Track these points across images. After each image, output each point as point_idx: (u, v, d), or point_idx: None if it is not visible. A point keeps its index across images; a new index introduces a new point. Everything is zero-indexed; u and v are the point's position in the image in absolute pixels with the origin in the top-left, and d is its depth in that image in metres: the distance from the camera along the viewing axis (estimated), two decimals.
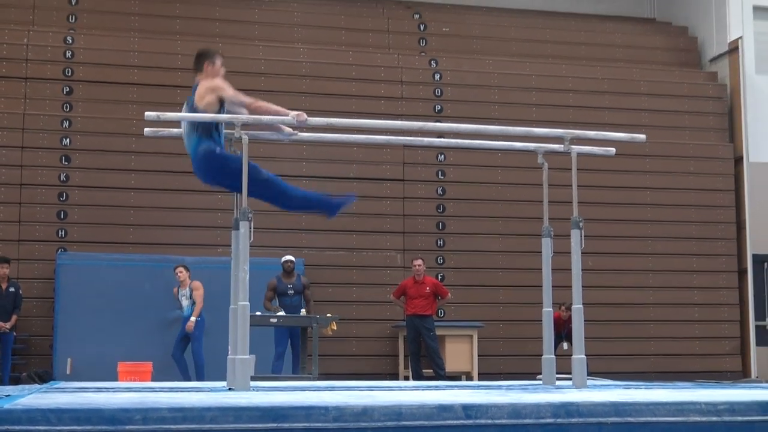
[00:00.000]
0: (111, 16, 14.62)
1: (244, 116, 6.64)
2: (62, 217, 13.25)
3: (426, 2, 16.66)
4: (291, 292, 12.49)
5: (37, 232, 13.17)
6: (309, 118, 6.67)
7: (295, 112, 6.67)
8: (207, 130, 6.64)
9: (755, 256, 15.35)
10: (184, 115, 6.80)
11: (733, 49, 15.90)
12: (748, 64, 15.81)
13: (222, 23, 15.06)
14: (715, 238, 15.30)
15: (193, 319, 12.09)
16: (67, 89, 13.71)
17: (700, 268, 15.13)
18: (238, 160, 6.55)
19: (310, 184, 13.81)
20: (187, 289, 12.29)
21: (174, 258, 12.80)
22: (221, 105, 6.70)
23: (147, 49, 14.19)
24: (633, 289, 14.84)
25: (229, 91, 6.69)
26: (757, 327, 15.30)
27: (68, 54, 13.82)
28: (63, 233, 13.20)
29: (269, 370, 12.21)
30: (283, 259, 12.54)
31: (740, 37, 15.83)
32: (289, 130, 7.01)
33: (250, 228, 6.41)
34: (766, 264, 15.92)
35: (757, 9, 16.20)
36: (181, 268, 12.35)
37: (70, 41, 13.89)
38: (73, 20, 14.37)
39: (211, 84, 6.73)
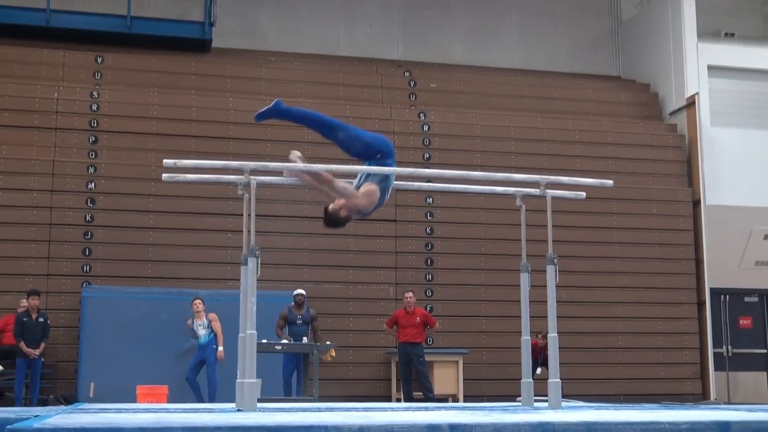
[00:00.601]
0: (133, 73, 14.68)
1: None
2: (87, 253, 13.21)
3: (415, 61, 16.79)
4: (300, 321, 12.50)
5: (65, 268, 13.12)
6: (313, 166, 6.71)
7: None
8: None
9: (712, 290, 15.36)
10: (197, 162, 6.82)
11: (691, 103, 16.00)
12: (704, 117, 15.89)
13: (232, 79, 15.13)
14: (676, 273, 15.29)
15: (221, 348, 12.05)
16: (93, 138, 13.73)
17: (663, 300, 15.11)
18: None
19: (311, 224, 13.88)
20: (204, 319, 12.23)
21: (189, 291, 12.76)
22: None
23: (165, 103, 14.23)
24: (603, 319, 14.80)
25: (351, 200, 6.57)
26: (715, 353, 15.27)
27: (94, 107, 13.86)
28: (88, 268, 13.16)
29: (281, 392, 12.22)
30: (295, 292, 12.59)
31: (697, 93, 15.93)
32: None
33: (258, 263, 6.41)
34: (722, 296, 15.95)
35: (711, 68, 16.31)
36: (198, 301, 12.31)
37: (96, 95, 13.94)
38: (99, 77, 14.43)
39: (365, 196, 6.61)
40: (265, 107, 6.82)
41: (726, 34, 17.85)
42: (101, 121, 13.81)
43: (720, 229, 15.36)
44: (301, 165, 6.71)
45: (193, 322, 12.28)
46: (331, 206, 6.64)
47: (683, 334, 15.11)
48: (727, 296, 16.06)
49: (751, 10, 18.73)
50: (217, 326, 12.17)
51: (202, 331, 12.22)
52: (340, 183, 6.64)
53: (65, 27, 14.84)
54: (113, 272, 13.22)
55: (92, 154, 13.65)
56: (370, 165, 6.80)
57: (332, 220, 6.65)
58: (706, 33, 17.10)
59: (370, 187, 6.64)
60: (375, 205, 6.66)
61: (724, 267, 15.54)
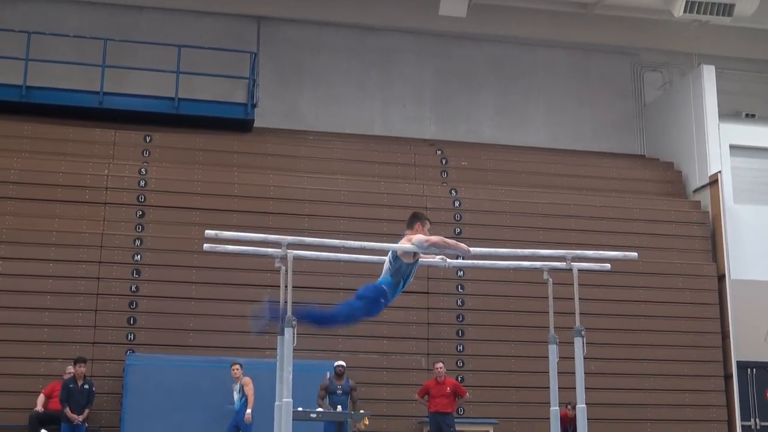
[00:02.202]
0: (179, 151, 14.92)
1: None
2: (132, 322, 13.27)
3: (447, 140, 16.92)
4: (340, 392, 12.45)
5: (110, 336, 13.17)
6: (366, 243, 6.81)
7: (465, 247, 6.78)
8: (398, 276, 6.85)
9: (739, 363, 15.06)
10: (237, 235, 6.89)
11: (714, 181, 15.93)
12: (726, 194, 15.82)
13: (273, 157, 15.31)
14: (702, 346, 15.02)
15: (249, 411, 11.95)
16: (140, 213, 13.91)
17: (690, 373, 14.83)
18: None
19: (347, 296, 13.82)
20: (239, 384, 12.18)
21: (228, 359, 12.71)
22: (415, 260, 6.85)
23: (209, 179, 14.41)
24: (631, 391, 14.52)
25: (423, 237, 6.79)
26: (743, 426, 14.89)
27: (142, 183, 14.07)
28: (132, 337, 13.21)
29: None
30: (336, 363, 12.58)
31: (719, 171, 15.88)
32: (446, 258, 7.30)
33: (294, 334, 6.40)
34: (749, 369, 15.62)
35: (733, 147, 16.30)
36: (237, 366, 12.26)
37: (144, 172, 14.16)
38: (147, 155, 14.67)
39: (413, 236, 6.85)
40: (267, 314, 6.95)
41: (747, 115, 17.89)
42: (148, 196, 14.00)
43: (745, 303, 15.15)
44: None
45: (233, 387, 12.23)
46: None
47: (711, 406, 14.78)
48: (754, 369, 15.72)
49: None
50: (248, 390, 12.08)
51: (236, 396, 12.15)
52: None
53: (117, 108, 15.18)
54: (156, 341, 13.24)
55: (139, 228, 13.80)
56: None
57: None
58: (727, 114, 17.14)
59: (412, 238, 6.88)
60: (411, 260, 6.85)
61: (750, 340, 15.27)
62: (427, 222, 7.06)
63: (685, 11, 15.92)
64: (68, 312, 13.11)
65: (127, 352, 12.99)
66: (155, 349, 13.13)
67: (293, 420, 6.38)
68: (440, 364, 12.77)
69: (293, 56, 17.11)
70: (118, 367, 12.92)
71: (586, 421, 6.97)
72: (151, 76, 15.72)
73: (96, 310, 13.20)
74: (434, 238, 6.77)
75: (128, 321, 13.26)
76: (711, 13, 16.08)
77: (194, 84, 15.94)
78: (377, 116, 17.09)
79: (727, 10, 16.10)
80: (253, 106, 15.59)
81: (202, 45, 16.13)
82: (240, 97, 16.08)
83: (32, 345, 12.83)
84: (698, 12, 16.00)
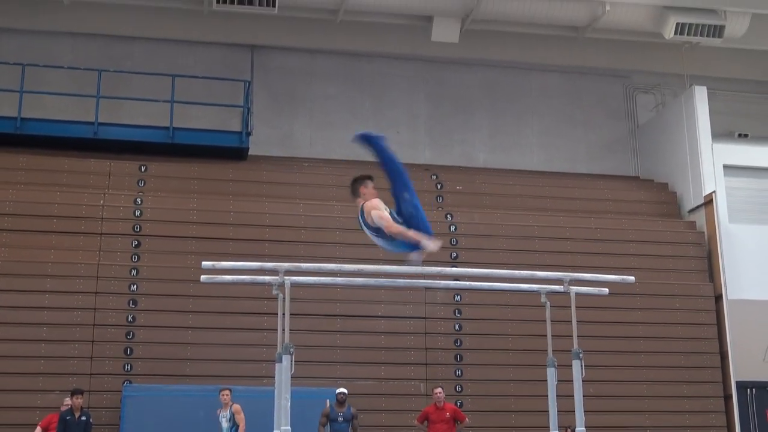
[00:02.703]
0: (174, 180, 14.94)
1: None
2: (129, 353, 13.23)
3: (441, 165, 16.96)
4: (341, 419, 12.37)
5: (107, 367, 13.12)
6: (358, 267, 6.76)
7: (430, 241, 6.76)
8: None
9: (738, 383, 15.02)
10: (234, 264, 6.89)
11: (708, 201, 15.98)
12: (721, 214, 15.84)
13: (268, 184, 15.34)
14: (701, 367, 15.00)
15: None
16: (136, 243, 13.90)
17: (689, 394, 14.79)
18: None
19: (343, 322, 13.86)
20: (228, 411, 12.06)
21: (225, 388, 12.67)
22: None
23: (204, 208, 14.41)
24: (631, 413, 14.47)
25: (381, 214, 6.85)
26: None
27: (137, 212, 14.07)
28: (129, 367, 13.16)
29: None
30: (337, 390, 12.50)
31: (714, 191, 15.93)
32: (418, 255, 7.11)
33: (292, 361, 6.40)
34: (748, 390, 15.57)
35: (726, 167, 16.35)
36: (226, 391, 12.13)
37: (140, 202, 14.17)
38: (143, 184, 14.69)
39: (370, 207, 6.90)
40: (370, 134, 7.28)
41: (739, 135, 17.99)
42: (144, 226, 14.00)
43: (743, 323, 15.13)
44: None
45: (220, 413, 12.12)
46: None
47: (711, 427, 14.71)
48: (754, 389, 15.67)
49: (763, 112, 18.87)
50: (240, 418, 11.96)
51: (225, 424, 12.02)
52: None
53: (112, 138, 15.20)
54: (153, 371, 13.19)
55: (135, 258, 13.79)
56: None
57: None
58: (720, 134, 17.23)
59: (371, 207, 6.99)
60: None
61: (749, 360, 15.23)
62: (369, 182, 7.09)
63: (675, 33, 16.05)
64: (65, 343, 13.06)
65: (124, 382, 12.94)
66: (153, 379, 13.07)
67: None
68: (439, 390, 12.72)
69: (287, 84, 17.20)
70: (115, 398, 12.85)
71: None
72: (146, 105, 15.78)
73: (93, 341, 13.15)
74: (394, 229, 6.78)
75: (125, 351, 13.21)
76: (701, 35, 16.23)
77: (189, 113, 15.99)
78: None
79: (718, 31, 16.24)
80: (248, 134, 15.64)
81: (196, 74, 16.21)
82: (235, 125, 16.14)
83: (29, 377, 12.77)
84: (689, 34, 16.13)
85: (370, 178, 7.09)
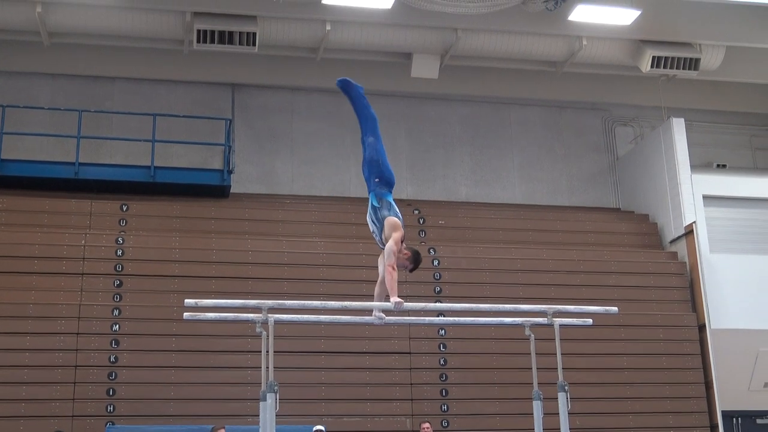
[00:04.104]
0: (156, 219, 14.90)
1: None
2: (111, 394, 13.09)
3: (424, 200, 17.03)
4: None
5: (89, 408, 12.97)
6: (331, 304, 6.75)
7: (397, 299, 6.74)
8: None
9: (724, 412, 15.03)
10: (216, 302, 6.87)
11: (689, 232, 16.09)
12: (703, 245, 15.94)
13: (250, 222, 15.33)
14: (687, 397, 15.00)
15: None
16: (118, 282, 13.82)
17: (675, 425, 14.76)
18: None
19: (328, 359, 13.79)
20: None
21: (209, 428, 12.54)
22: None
23: (186, 246, 14.37)
24: None
25: (393, 247, 7.00)
26: None
27: (119, 252, 14.01)
28: (112, 408, 13.02)
29: None
30: (314, 428, 12.39)
31: (694, 222, 16.05)
32: (382, 315, 7.20)
33: (276, 399, 6.36)
34: (734, 419, 15.60)
35: (706, 197, 16.48)
36: (222, 430, 12.05)
37: (121, 241, 14.11)
38: (124, 224, 14.64)
39: (391, 228, 7.12)
40: (351, 80, 7.66)
41: (718, 165, 18.17)
42: (126, 265, 13.93)
43: (727, 353, 15.17)
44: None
45: None
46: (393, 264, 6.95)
47: None
48: (739, 419, 15.71)
49: (740, 143, 19.12)
50: None
51: None
52: (390, 259, 6.96)
53: (93, 178, 15.17)
54: (136, 411, 13.05)
55: (117, 297, 13.71)
56: (369, 187, 7.41)
57: (409, 267, 7.29)
58: (699, 165, 17.41)
59: (389, 220, 7.23)
60: (402, 222, 7.20)
61: (734, 390, 15.27)
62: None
63: (652, 66, 16.26)
64: (46, 385, 12.91)
65: (107, 424, 12.78)
66: (136, 420, 12.92)
67: None
68: (427, 425, 12.68)
69: (268, 122, 17.27)
70: None
71: None
72: (127, 145, 15.79)
73: (75, 383, 13.02)
74: (391, 270, 6.91)
75: (107, 392, 13.07)
76: (677, 68, 16.45)
77: (170, 151, 16.00)
78: (353, 178, 17.18)
79: (693, 64, 16.46)
80: (230, 172, 15.65)
81: (176, 113, 16.24)
82: (216, 163, 16.16)
83: (10, 420, 12.59)
84: (665, 67, 16.35)
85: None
